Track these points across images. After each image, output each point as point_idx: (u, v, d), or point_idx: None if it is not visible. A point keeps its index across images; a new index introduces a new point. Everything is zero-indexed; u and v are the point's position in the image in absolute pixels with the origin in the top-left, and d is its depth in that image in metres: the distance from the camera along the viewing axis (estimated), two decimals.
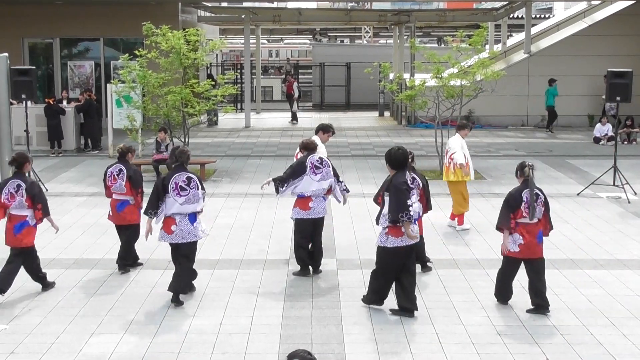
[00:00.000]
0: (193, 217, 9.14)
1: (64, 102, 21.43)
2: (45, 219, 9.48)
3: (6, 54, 15.11)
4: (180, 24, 25.33)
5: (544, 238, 8.90)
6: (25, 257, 9.42)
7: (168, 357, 7.53)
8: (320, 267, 10.25)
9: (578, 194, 15.25)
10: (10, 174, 14.97)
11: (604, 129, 22.94)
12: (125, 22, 25.24)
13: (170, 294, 9.02)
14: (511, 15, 32.83)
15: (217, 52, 37.22)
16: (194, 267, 9.40)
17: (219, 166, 18.59)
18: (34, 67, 17.13)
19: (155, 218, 9.17)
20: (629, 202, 14.60)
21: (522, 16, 34.34)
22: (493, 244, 9.83)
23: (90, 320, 8.48)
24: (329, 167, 10.08)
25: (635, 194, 15.16)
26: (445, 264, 10.58)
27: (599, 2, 28.55)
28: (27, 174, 9.69)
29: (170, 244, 9.26)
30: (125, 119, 17.78)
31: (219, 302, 9.11)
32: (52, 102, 20.52)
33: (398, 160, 8.56)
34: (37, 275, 9.56)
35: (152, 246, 11.07)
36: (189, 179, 9.10)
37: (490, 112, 26.41)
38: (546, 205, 8.84)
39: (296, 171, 9.98)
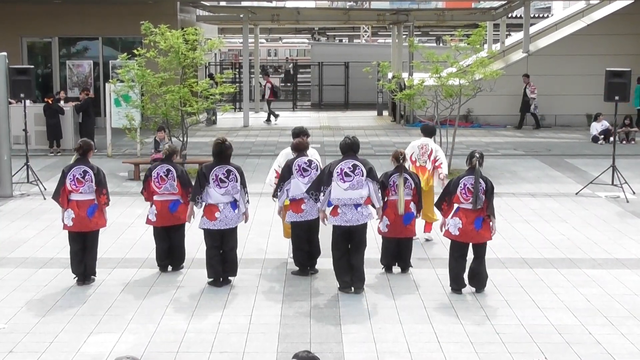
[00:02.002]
0: (234, 203, 9.56)
1: (62, 102, 21.42)
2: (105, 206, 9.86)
3: (5, 53, 15.12)
4: (179, 23, 25.31)
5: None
6: (94, 240, 9.82)
7: (166, 356, 7.53)
8: (317, 267, 10.24)
9: (576, 193, 15.26)
10: (11, 167, 15.09)
11: (599, 125, 22.94)
12: (123, 21, 25.22)
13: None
14: (510, 15, 32.83)
15: (216, 52, 37.20)
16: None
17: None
18: (32, 67, 17.11)
19: (199, 204, 9.66)
20: (627, 202, 14.61)
21: (520, 15, 34.35)
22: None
23: (89, 320, 8.48)
24: (317, 170, 10.01)
25: (634, 193, 15.17)
26: (443, 264, 10.55)
27: (598, 1, 28.56)
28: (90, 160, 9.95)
29: (212, 230, 9.56)
30: (123, 118, 17.76)
31: (217, 302, 9.11)
32: (50, 102, 20.52)
33: (341, 147, 9.53)
34: (94, 264, 9.84)
35: (151, 246, 11.07)
36: (228, 171, 9.54)
37: (489, 111, 26.39)
38: (488, 194, 9.26)
39: (284, 176, 10.02)
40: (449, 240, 9.53)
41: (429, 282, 9.84)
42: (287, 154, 10.62)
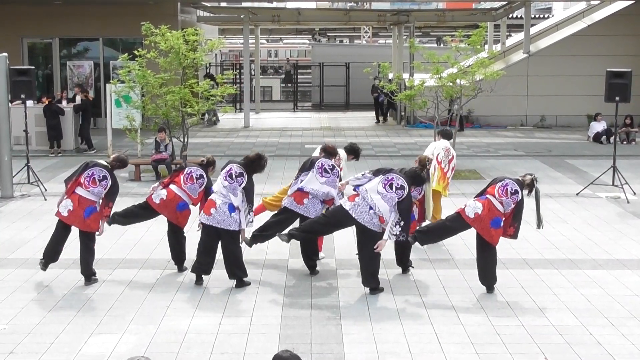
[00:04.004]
0: (232, 207, 9.43)
1: (64, 102, 21.42)
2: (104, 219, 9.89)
3: (5, 54, 15.12)
4: (180, 23, 25.32)
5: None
6: (87, 239, 9.80)
7: (167, 357, 7.53)
8: (318, 268, 10.25)
9: (577, 194, 15.25)
10: (12, 168, 15.08)
11: (599, 125, 22.93)
12: (124, 22, 25.22)
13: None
14: (510, 15, 32.84)
15: (216, 52, 37.21)
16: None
17: (218, 166, 18.44)
18: (33, 67, 17.11)
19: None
20: (628, 202, 14.60)
21: (521, 16, 34.34)
22: None
23: (90, 320, 8.49)
24: (337, 176, 10.11)
25: (635, 193, 15.16)
26: (444, 264, 10.59)
27: (598, 2, 28.57)
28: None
29: (206, 225, 9.51)
30: (124, 119, 17.76)
31: (217, 302, 9.11)
32: (49, 102, 20.53)
33: (409, 172, 9.60)
34: (90, 263, 9.82)
35: (152, 246, 11.10)
36: (240, 174, 9.54)
37: (489, 112, 26.40)
38: (518, 206, 9.29)
39: (305, 166, 10.23)
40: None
41: (429, 282, 9.84)
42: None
